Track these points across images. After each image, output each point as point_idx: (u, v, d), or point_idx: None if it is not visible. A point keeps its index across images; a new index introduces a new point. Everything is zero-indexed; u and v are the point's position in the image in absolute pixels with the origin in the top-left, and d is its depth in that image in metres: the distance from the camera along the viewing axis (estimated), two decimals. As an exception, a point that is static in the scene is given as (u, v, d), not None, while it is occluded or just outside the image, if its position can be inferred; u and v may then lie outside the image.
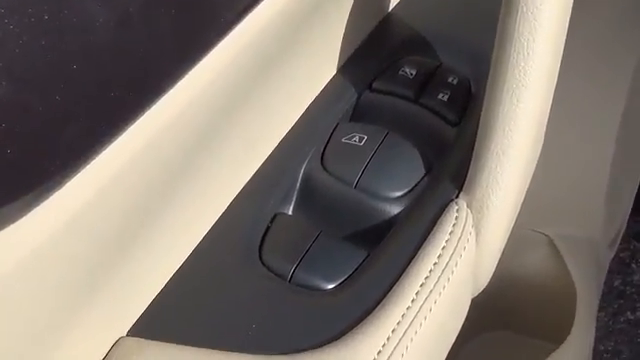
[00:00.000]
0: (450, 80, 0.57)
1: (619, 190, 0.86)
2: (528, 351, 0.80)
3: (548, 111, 0.52)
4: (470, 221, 0.50)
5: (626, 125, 0.84)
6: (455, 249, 0.48)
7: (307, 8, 0.50)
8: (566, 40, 0.51)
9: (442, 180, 0.52)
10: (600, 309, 0.96)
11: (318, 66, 0.57)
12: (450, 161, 0.53)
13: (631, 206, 0.98)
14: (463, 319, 0.52)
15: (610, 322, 1.18)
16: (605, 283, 0.91)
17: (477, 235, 0.50)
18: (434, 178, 0.52)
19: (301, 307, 0.47)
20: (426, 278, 0.47)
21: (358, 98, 0.57)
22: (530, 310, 0.81)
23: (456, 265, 0.48)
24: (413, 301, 0.46)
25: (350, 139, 0.54)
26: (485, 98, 0.50)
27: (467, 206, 0.50)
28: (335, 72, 0.59)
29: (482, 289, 0.55)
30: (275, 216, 0.51)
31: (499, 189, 0.50)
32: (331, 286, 0.48)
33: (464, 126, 0.55)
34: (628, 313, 1.18)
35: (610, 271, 0.95)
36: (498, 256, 0.53)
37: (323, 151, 0.54)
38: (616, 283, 1.21)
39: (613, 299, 1.19)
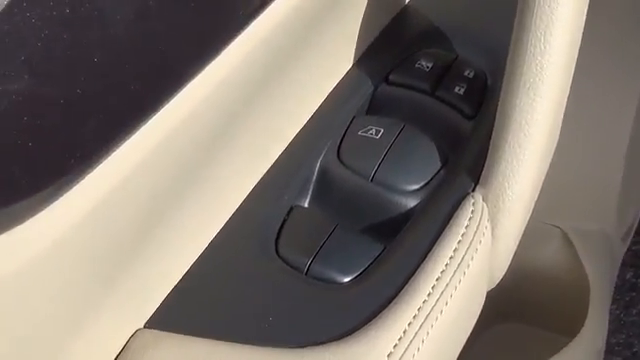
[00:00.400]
0: (466, 73, 0.57)
1: (633, 183, 0.86)
2: (541, 343, 0.80)
3: (564, 104, 0.52)
4: (486, 215, 0.50)
5: (640, 119, 0.84)
6: (471, 243, 0.48)
7: (323, 3, 0.50)
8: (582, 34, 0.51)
9: (458, 173, 0.52)
10: (612, 302, 0.96)
11: (334, 59, 0.57)
12: (466, 154, 0.53)
13: (645, 199, 0.98)
14: (478, 313, 0.52)
15: (622, 315, 1.17)
16: (617, 276, 0.91)
17: (493, 229, 0.50)
18: (450, 171, 0.52)
19: (317, 300, 0.47)
20: (442, 272, 0.47)
21: (374, 91, 0.57)
22: (543, 303, 0.81)
23: (472, 259, 0.48)
24: (429, 295, 0.46)
25: (366, 132, 0.54)
26: (502, 91, 0.49)
27: (483, 199, 0.50)
28: (351, 65, 0.59)
29: (497, 282, 0.55)
30: (291, 209, 0.51)
31: (515, 183, 0.50)
32: (347, 279, 0.48)
33: (480, 119, 0.55)
34: (640, 305, 1.18)
35: (622, 264, 0.94)
36: (514, 250, 0.53)
37: (339, 144, 0.54)
38: (628, 276, 1.21)
39: (625, 292, 1.19)
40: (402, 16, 0.63)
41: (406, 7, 0.64)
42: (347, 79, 0.58)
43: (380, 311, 0.45)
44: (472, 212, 0.49)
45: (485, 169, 0.50)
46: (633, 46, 0.85)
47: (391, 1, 0.62)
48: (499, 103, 0.50)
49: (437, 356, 0.47)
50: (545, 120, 0.49)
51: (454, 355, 0.51)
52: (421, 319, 0.45)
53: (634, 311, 1.18)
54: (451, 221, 0.49)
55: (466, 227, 0.48)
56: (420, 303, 0.46)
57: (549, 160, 0.53)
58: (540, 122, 0.49)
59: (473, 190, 0.51)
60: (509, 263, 0.54)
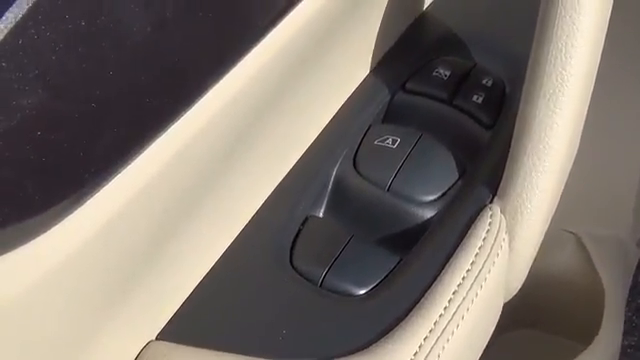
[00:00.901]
0: (484, 82, 0.56)
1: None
2: (555, 350, 0.80)
3: (585, 115, 0.51)
4: (504, 227, 0.49)
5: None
6: (488, 256, 0.48)
7: (340, 10, 0.50)
8: None
9: (476, 184, 0.51)
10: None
11: (351, 67, 0.56)
12: (484, 165, 0.53)
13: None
14: (495, 324, 0.52)
15: (634, 317, 1.17)
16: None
17: (510, 241, 0.50)
18: (468, 182, 0.52)
19: (332, 313, 0.47)
20: (459, 285, 0.46)
21: (391, 99, 0.57)
22: (558, 309, 0.81)
23: (489, 272, 0.48)
24: (445, 308, 0.45)
25: (383, 141, 0.53)
26: (521, 102, 0.49)
27: (501, 211, 0.50)
28: (368, 72, 0.58)
29: (514, 294, 0.54)
30: (306, 219, 0.51)
31: (534, 195, 0.49)
32: (362, 291, 0.47)
33: (498, 129, 0.55)
34: (652, 308, 1.18)
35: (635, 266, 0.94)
36: (531, 261, 0.53)
37: (355, 153, 0.53)
38: (640, 278, 1.20)
39: (637, 294, 1.19)
40: (420, 23, 0.62)
41: (424, 14, 0.63)
42: (364, 87, 0.57)
43: (396, 325, 0.45)
44: (490, 224, 0.49)
45: (503, 181, 0.50)
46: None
47: (409, 8, 0.62)
48: (518, 114, 0.49)
49: (453, 371, 0.46)
50: (565, 132, 0.48)
51: None
52: (437, 333, 0.45)
53: (646, 313, 1.18)
54: (468, 233, 0.48)
55: (484, 240, 0.48)
56: (437, 317, 0.45)
57: (568, 171, 0.53)
58: (560, 134, 0.48)
59: (491, 202, 0.50)
60: (526, 274, 0.54)
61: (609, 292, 0.76)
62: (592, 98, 0.52)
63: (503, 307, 0.53)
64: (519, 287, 0.54)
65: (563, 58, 0.47)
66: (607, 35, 0.50)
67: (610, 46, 0.53)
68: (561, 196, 0.55)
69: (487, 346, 0.52)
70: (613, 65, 0.76)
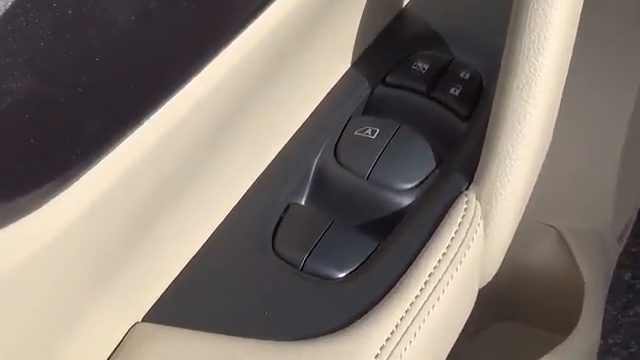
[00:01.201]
0: (462, 75, 0.58)
1: (629, 183, 0.86)
2: (535, 342, 0.80)
3: (558, 105, 0.52)
4: (479, 213, 0.50)
5: (637, 118, 0.84)
6: (463, 240, 0.49)
7: (322, 3, 0.51)
8: (578, 34, 0.51)
9: (452, 173, 0.52)
10: (609, 302, 0.96)
11: (332, 60, 0.57)
12: (460, 154, 0.54)
13: (641, 199, 0.98)
14: (470, 309, 0.53)
15: (619, 316, 1.18)
16: (615, 277, 0.91)
17: (485, 226, 0.51)
18: (444, 171, 0.53)
19: (312, 295, 0.48)
20: (434, 268, 0.47)
21: (371, 92, 0.58)
22: (538, 302, 0.82)
23: (464, 256, 0.49)
24: (421, 290, 0.47)
25: (363, 132, 0.54)
26: (496, 93, 0.50)
27: (476, 198, 0.51)
28: (349, 66, 0.59)
29: (489, 279, 0.55)
30: (288, 206, 0.52)
31: (508, 182, 0.50)
32: (342, 275, 0.49)
33: (475, 120, 0.56)
34: (637, 307, 1.18)
35: (620, 265, 0.95)
36: (506, 247, 0.54)
37: (336, 144, 0.55)
38: (626, 277, 1.21)
39: (622, 293, 1.19)
40: (400, 19, 0.63)
41: (404, 10, 0.64)
42: (345, 80, 0.58)
43: (373, 306, 0.46)
44: (465, 210, 0.50)
45: (478, 168, 0.51)
46: (630, 46, 0.85)
47: (389, 4, 0.63)
48: (493, 104, 0.50)
49: (428, 350, 0.47)
50: (538, 121, 0.49)
51: (445, 350, 0.51)
52: (413, 313, 0.46)
53: (631, 312, 1.18)
54: (445, 219, 0.50)
55: (459, 225, 0.49)
56: (412, 298, 0.46)
57: (542, 160, 0.54)
58: (533, 123, 0.49)
59: (467, 189, 0.52)
60: (501, 260, 0.55)
61: (589, 285, 0.77)
62: (571, 92, 0.53)
63: (486, 300, 0.54)
64: (494, 272, 0.55)
65: (536, 50, 0.48)
66: (586, 27, 0.52)
67: (589, 38, 0.54)
68: (542, 190, 0.56)
69: (470, 339, 0.53)
70: (592, 60, 0.78)
